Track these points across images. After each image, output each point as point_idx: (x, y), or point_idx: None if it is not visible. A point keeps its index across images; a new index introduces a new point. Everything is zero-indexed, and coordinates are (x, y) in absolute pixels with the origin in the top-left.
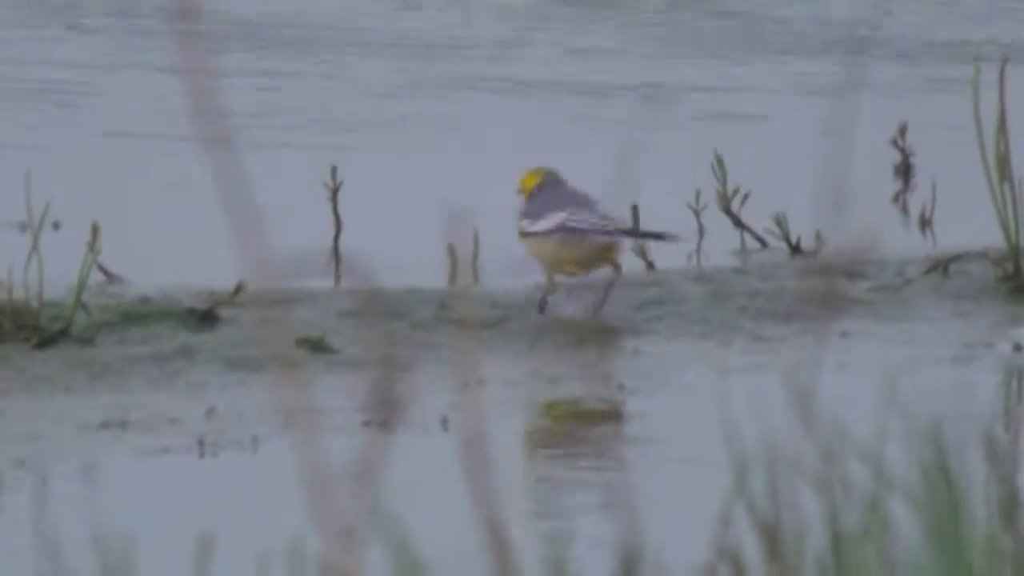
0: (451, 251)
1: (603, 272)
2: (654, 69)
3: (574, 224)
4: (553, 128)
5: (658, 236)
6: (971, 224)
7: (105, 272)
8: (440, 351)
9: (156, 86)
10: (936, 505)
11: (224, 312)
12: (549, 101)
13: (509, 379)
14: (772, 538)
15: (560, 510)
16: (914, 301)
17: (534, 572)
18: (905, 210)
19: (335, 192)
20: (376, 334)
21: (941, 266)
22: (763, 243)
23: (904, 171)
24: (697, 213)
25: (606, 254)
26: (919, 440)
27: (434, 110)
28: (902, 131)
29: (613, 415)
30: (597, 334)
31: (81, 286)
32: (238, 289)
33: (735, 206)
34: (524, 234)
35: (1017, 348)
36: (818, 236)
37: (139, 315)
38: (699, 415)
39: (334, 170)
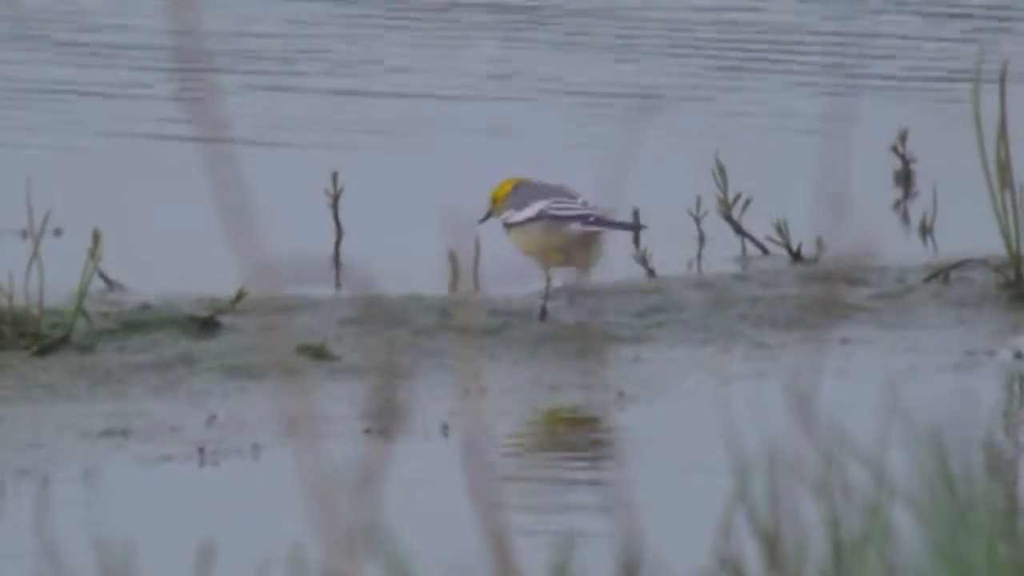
0: (452, 258)
1: (572, 273)
2: (653, 74)
3: (556, 211)
4: (554, 132)
5: (631, 227)
6: (972, 231)
7: (106, 279)
8: (441, 358)
9: (157, 89)
10: (937, 512)
11: (225, 319)
12: (552, 106)
13: (510, 386)
14: (773, 545)
15: (561, 516)
16: (915, 308)
17: None
18: (906, 217)
19: (336, 199)
20: (377, 341)
21: (942, 273)
22: (764, 250)
23: (905, 178)
24: (698, 220)
25: (588, 243)
26: (920, 447)
27: (436, 115)
28: (903, 138)
29: (614, 422)
30: (598, 341)
31: (82, 293)
32: (239, 296)
33: (736, 213)
34: (508, 225)
35: (1018, 355)
36: (819, 243)
37: (140, 322)
38: (700, 422)
39: (335, 176)
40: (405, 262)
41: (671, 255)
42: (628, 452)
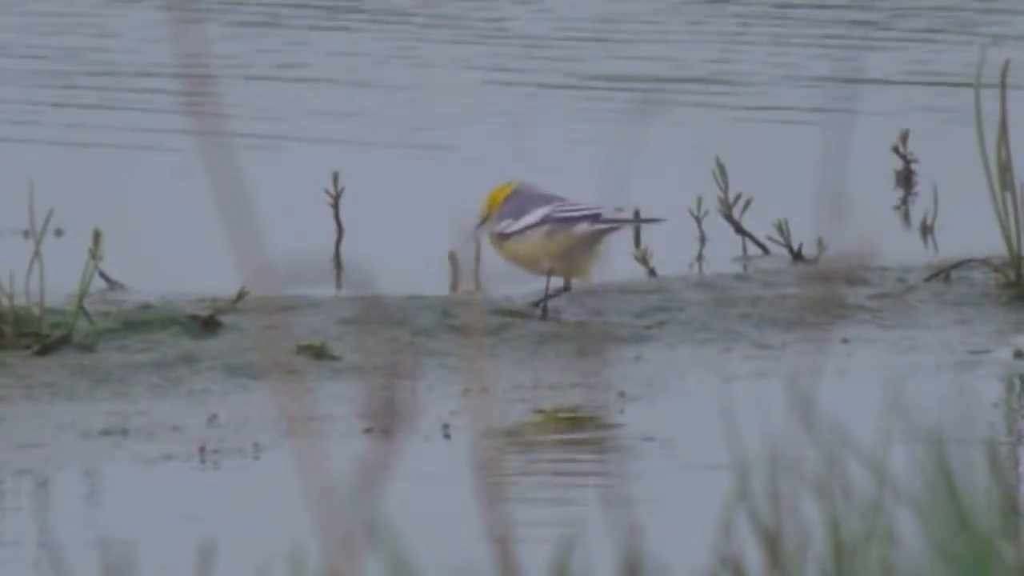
0: (453, 258)
1: (562, 280)
2: (653, 65)
3: (561, 214)
4: (556, 130)
5: (644, 221)
6: (973, 231)
7: (107, 279)
8: (442, 358)
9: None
10: (938, 512)
11: (226, 319)
12: (552, 102)
13: (511, 386)
14: (774, 545)
15: (562, 516)
16: (916, 308)
17: None
18: (907, 217)
19: (336, 199)
20: (378, 341)
21: (943, 273)
22: (765, 250)
23: (906, 178)
24: (699, 220)
25: (593, 245)
26: (921, 446)
27: (438, 113)
28: (904, 138)
29: (614, 422)
30: (599, 341)
31: (83, 293)
32: (240, 296)
33: (737, 213)
34: (504, 236)
35: (1018, 355)
36: (820, 243)
37: (141, 322)
38: (701, 421)
39: (336, 177)
40: (406, 262)
41: (672, 255)
42: (629, 451)
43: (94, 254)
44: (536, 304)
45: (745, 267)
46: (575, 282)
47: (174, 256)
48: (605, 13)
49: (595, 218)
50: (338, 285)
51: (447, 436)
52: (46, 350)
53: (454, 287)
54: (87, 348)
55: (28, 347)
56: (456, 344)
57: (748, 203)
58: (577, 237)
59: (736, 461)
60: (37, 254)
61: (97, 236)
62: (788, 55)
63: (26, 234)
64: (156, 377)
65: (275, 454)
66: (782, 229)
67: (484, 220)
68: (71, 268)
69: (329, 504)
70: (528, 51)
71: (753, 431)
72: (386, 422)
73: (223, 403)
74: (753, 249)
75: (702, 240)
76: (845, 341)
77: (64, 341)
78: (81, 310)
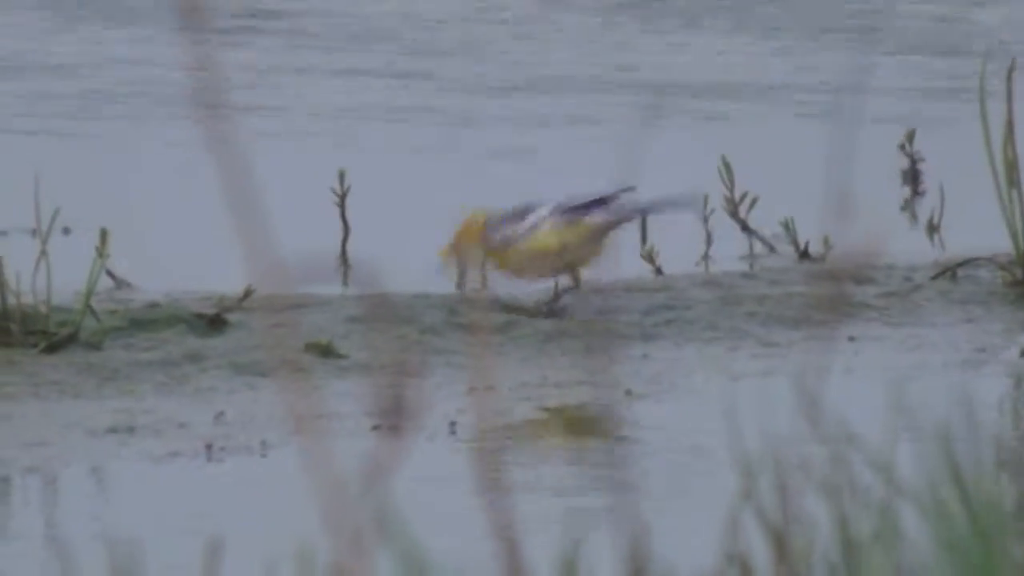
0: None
1: (565, 280)
2: (658, 65)
3: (571, 204)
4: (558, 128)
5: (670, 204)
6: (980, 229)
7: (114, 277)
8: (449, 356)
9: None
10: (945, 510)
11: (232, 317)
12: (557, 101)
13: (517, 384)
14: (781, 543)
15: (568, 514)
16: (922, 306)
17: None
18: (913, 215)
19: (343, 197)
20: (385, 339)
21: (949, 271)
22: (771, 248)
23: (912, 176)
24: (705, 218)
25: (606, 234)
26: (928, 445)
27: (444, 111)
28: (910, 136)
29: (621, 420)
30: (606, 339)
31: (90, 291)
32: (246, 294)
33: (743, 211)
34: (507, 242)
35: None
36: (826, 241)
37: (147, 320)
38: (707, 419)
39: (342, 175)
40: (412, 260)
41: (678, 253)
42: (635, 450)
43: (101, 252)
44: (547, 304)
45: (751, 265)
46: (582, 279)
47: (181, 255)
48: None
49: (606, 204)
50: (345, 283)
51: (453, 433)
52: (53, 348)
53: (461, 285)
54: (94, 346)
55: (35, 345)
56: (463, 342)
57: (754, 202)
58: (595, 223)
59: (742, 459)
60: (44, 252)
61: (104, 234)
62: (794, 52)
63: (33, 232)
64: (163, 375)
65: (282, 452)
66: (788, 227)
67: (459, 253)
68: (78, 266)
69: (337, 501)
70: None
71: (760, 429)
72: (393, 420)
73: (230, 401)
74: (759, 248)
75: (708, 239)
76: (852, 339)
77: (71, 339)
78: (88, 308)
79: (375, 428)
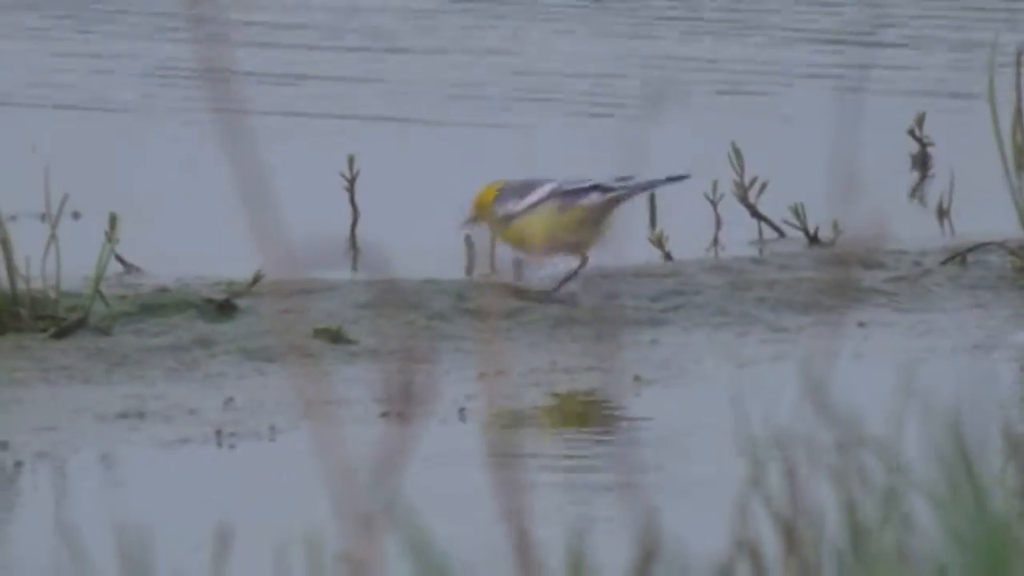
0: (469, 241)
1: (573, 261)
2: (666, 53)
3: (569, 187)
4: (567, 116)
5: (667, 181)
6: (989, 214)
7: (123, 262)
8: (458, 342)
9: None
10: (954, 496)
11: (242, 303)
12: (564, 88)
13: (526, 370)
14: (790, 530)
15: (577, 501)
16: (932, 291)
17: (552, 564)
18: (923, 200)
19: (352, 182)
20: (394, 325)
21: (959, 256)
22: (781, 233)
23: (922, 161)
24: (714, 203)
25: (603, 217)
26: (937, 430)
27: (451, 99)
28: (920, 121)
29: (630, 406)
30: (615, 325)
31: (99, 276)
32: (256, 279)
33: (752, 196)
34: (510, 216)
35: None
36: (836, 226)
37: (157, 305)
38: (717, 405)
39: (351, 159)
40: (421, 246)
41: (688, 238)
42: (644, 436)
43: (110, 237)
44: (553, 289)
45: (761, 251)
46: (589, 264)
47: (190, 240)
48: None
49: (603, 188)
50: (354, 269)
51: (463, 419)
52: (63, 333)
53: (470, 271)
54: (103, 331)
55: (45, 330)
56: (471, 328)
57: (764, 187)
58: (588, 208)
59: (751, 445)
60: (53, 237)
61: (113, 219)
62: (804, 37)
63: (43, 217)
64: (172, 360)
65: (291, 437)
66: (798, 213)
67: (475, 219)
68: (88, 251)
69: (347, 487)
70: (555, 29)
71: (769, 415)
72: (402, 406)
73: (239, 386)
74: (769, 233)
75: (718, 224)
76: (861, 324)
77: (80, 324)
78: (97, 293)
79: (384, 414)
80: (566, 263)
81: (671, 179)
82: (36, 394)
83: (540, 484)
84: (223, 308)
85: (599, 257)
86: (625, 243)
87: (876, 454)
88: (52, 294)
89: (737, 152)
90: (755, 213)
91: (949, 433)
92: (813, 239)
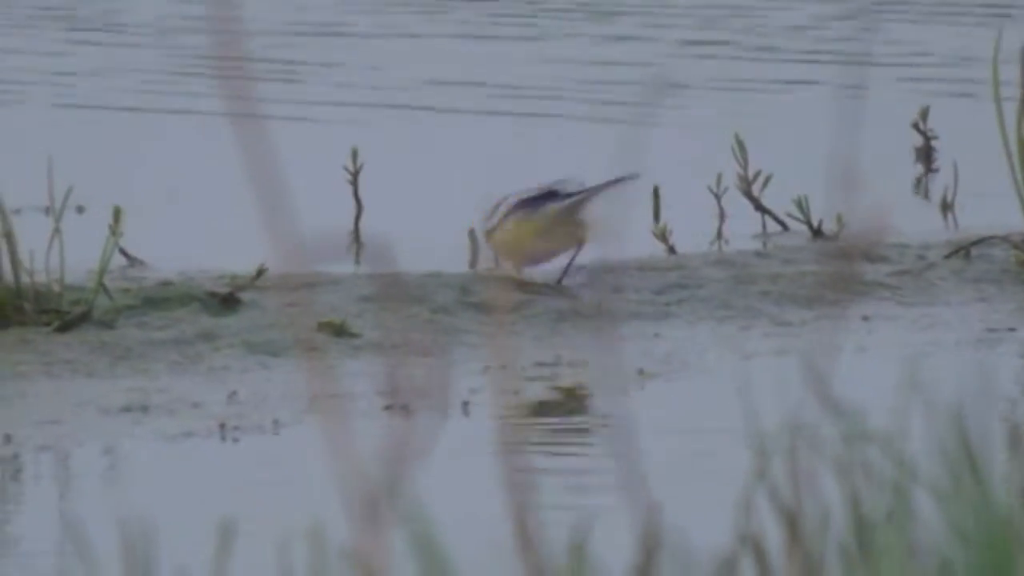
0: (472, 235)
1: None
2: (668, 50)
3: (527, 196)
4: (571, 111)
5: (616, 181)
6: (993, 208)
7: (127, 256)
8: (461, 335)
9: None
10: (958, 490)
11: (246, 296)
12: (570, 84)
13: (531, 363)
14: (794, 523)
15: (580, 494)
16: (936, 285)
17: (555, 557)
18: (926, 194)
19: (355, 175)
20: (397, 318)
21: (963, 250)
22: (784, 227)
23: (926, 155)
24: (718, 197)
25: (568, 224)
26: (941, 424)
27: (453, 93)
28: (923, 114)
29: (633, 399)
30: (618, 318)
31: (103, 270)
32: (260, 273)
33: (756, 190)
34: (488, 232)
35: None
36: (839, 220)
37: (160, 299)
38: (720, 399)
39: (355, 153)
40: (425, 239)
41: (691, 232)
42: (648, 429)
43: (114, 231)
44: (558, 280)
45: (765, 244)
46: (585, 251)
47: (194, 233)
48: None
49: (555, 195)
50: (358, 262)
51: (467, 413)
52: (66, 327)
53: (474, 264)
54: (107, 325)
55: (48, 324)
56: (476, 321)
57: (768, 180)
58: (547, 220)
59: (755, 439)
60: (57, 231)
61: (117, 213)
62: (807, 29)
63: (46, 211)
64: (176, 354)
65: (295, 431)
66: (802, 206)
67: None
68: (91, 245)
69: (351, 480)
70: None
71: (773, 408)
72: (407, 399)
73: (243, 380)
74: (773, 226)
75: (721, 217)
76: (865, 318)
77: (84, 318)
78: (101, 287)
79: (388, 408)
80: (562, 260)
81: (620, 180)
82: (40, 388)
83: (543, 477)
84: (227, 302)
85: (603, 251)
86: (629, 237)
87: (880, 448)
88: (56, 288)
89: (741, 145)
90: (759, 207)
91: (953, 427)
92: (817, 232)
